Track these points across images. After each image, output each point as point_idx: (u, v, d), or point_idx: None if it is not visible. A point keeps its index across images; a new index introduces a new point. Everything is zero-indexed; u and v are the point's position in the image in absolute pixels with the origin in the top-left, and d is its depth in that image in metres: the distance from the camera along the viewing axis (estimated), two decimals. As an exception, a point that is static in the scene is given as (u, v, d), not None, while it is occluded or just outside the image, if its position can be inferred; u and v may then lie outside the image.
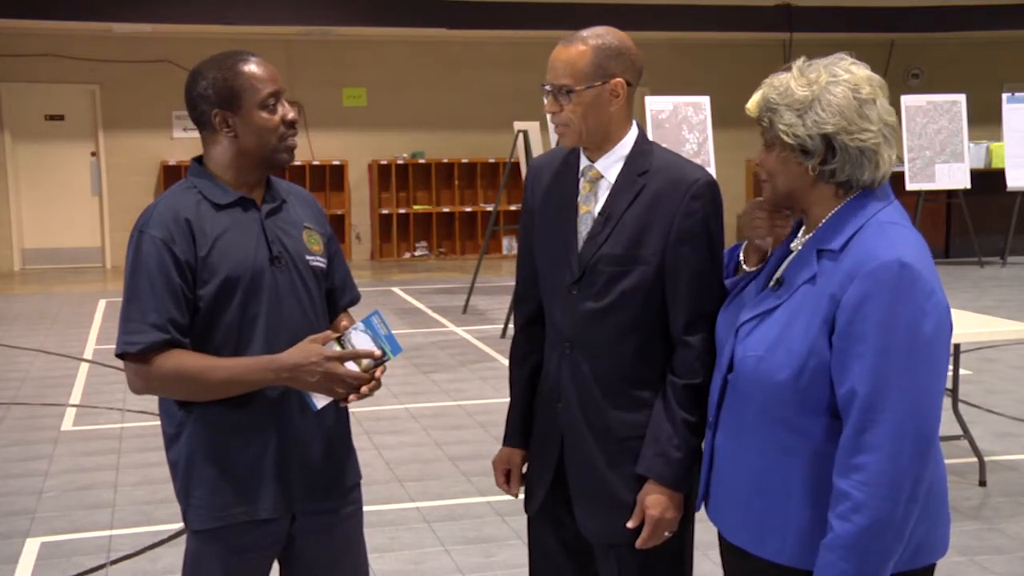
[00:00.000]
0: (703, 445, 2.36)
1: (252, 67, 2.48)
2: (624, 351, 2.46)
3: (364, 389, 2.43)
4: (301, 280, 2.55)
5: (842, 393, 1.97)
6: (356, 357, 2.42)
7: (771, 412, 2.08)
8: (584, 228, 2.49)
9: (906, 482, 1.93)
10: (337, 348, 2.42)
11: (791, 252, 2.18)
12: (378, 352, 2.45)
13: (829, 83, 2.06)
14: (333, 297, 2.69)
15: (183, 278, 2.41)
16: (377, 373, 2.45)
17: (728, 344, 2.19)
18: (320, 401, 2.44)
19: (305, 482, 2.55)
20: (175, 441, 2.52)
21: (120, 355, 2.42)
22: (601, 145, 2.48)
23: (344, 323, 2.70)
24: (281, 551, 2.62)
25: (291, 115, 2.51)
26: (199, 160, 2.56)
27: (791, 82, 2.09)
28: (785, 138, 2.08)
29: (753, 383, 2.11)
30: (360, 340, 2.44)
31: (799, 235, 2.19)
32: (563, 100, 2.42)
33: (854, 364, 1.95)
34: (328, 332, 2.45)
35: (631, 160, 2.48)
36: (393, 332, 2.49)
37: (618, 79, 2.41)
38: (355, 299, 2.78)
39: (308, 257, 2.57)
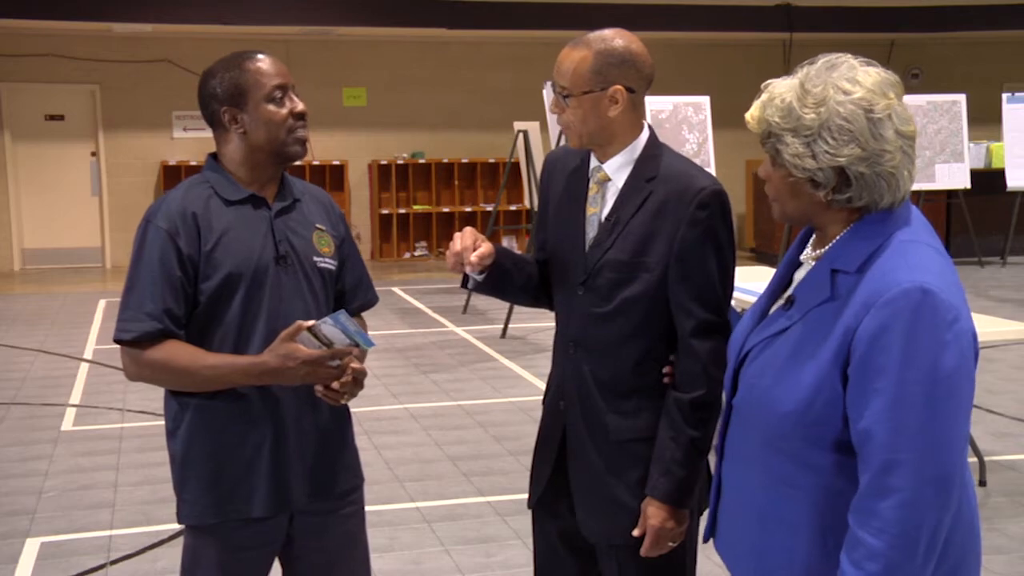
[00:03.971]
0: (712, 471, 2.28)
1: (258, 63, 2.51)
2: (625, 356, 2.45)
3: (336, 385, 2.45)
4: (307, 281, 2.56)
5: (858, 430, 1.82)
6: (332, 356, 2.43)
7: (776, 444, 1.93)
8: (591, 230, 2.49)
9: (924, 531, 1.77)
10: (313, 340, 2.41)
11: (800, 263, 2.04)
12: (356, 350, 2.45)
13: (838, 103, 1.84)
14: (343, 299, 2.69)
15: (184, 271, 2.45)
16: (351, 369, 2.45)
17: (734, 365, 2.07)
18: None
19: (302, 482, 2.56)
20: (173, 435, 2.56)
21: (116, 341, 2.48)
22: (606, 148, 2.47)
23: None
24: (281, 551, 2.63)
25: (299, 107, 2.53)
26: (215, 156, 2.59)
27: (794, 102, 1.87)
28: (794, 170, 1.90)
29: (758, 412, 1.96)
30: (332, 333, 2.44)
31: (809, 246, 2.03)
32: (563, 102, 2.43)
33: (871, 401, 1.79)
34: (299, 322, 2.41)
35: (640, 165, 2.46)
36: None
37: (617, 86, 2.39)
38: (369, 302, 2.77)
39: (316, 258, 2.58)
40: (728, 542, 2.12)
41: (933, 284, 1.80)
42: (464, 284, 2.57)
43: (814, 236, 2.03)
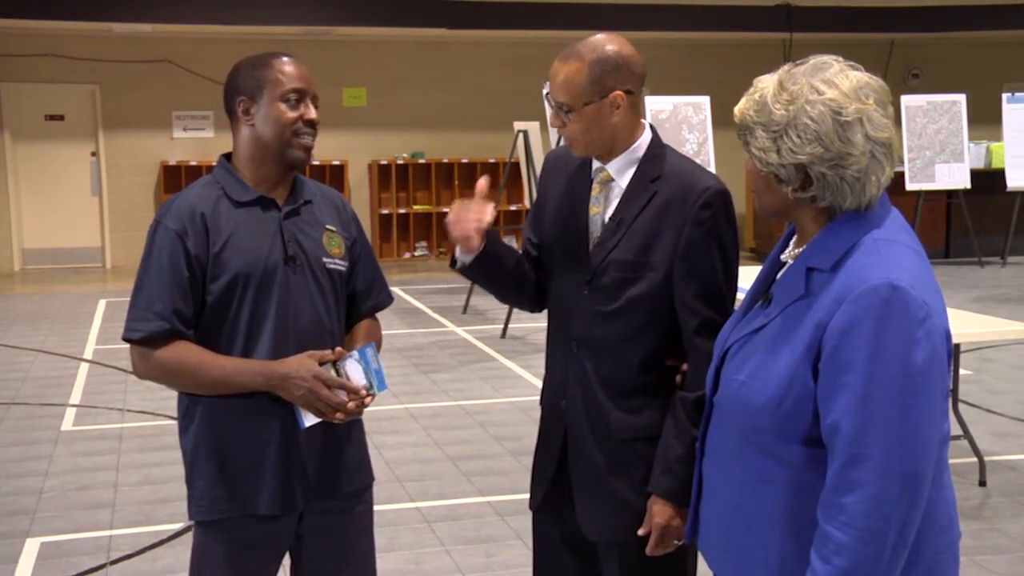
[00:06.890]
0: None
1: (284, 64, 2.53)
2: (629, 355, 2.46)
3: (339, 415, 2.47)
4: (316, 282, 2.56)
5: (827, 425, 1.82)
6: (343, 388, 2.47)
7: (751, 438, 1.95)
8: (595, 230, 2.49)
9: (891, 526, 1.77)
10: (331, 371, 2.45)
11: (782, 264, 2.06)
12: (364, 391, 2.50)
13: (808, 102, 1.85)
14: (356, 300, 2.70)
15: (192, 272, 2.47)
16: (351, 406, 2.48)
17: (716, 364, 2.09)
18: (308, 420, 2.49)
19: (311, 481, 2.57)
20: (185, 432, 2.58)
21: (125, 339, 2.50)
22: (610, 151, 2.48)
23: (364, 326, 2.72)
24: (291, 549, 2.65)
25: (311, 115, 2.54)
26: (228, 156, 2.61)
27: (769, 97, 1.89)
28: (758, 164, 1.93)
29: (735, 407, 1.98)
30: (354, 370, 2.48)
31: (791, 246, 2.04)
32: (564, 117, 2.42)
33: (840, 395, 1.80)
34: (327, 352, 2.48)
35: (644, 165, 2.47)
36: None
37: (617, 92, 2.40)
38: (382, 304, 2.78)
39: (325, 259, 2.59)
40: (708, 540, 2.12)
41: (904, 281, 1.80)
42: (452, 264, 2.56)
43: (795, 236, 2.05)
